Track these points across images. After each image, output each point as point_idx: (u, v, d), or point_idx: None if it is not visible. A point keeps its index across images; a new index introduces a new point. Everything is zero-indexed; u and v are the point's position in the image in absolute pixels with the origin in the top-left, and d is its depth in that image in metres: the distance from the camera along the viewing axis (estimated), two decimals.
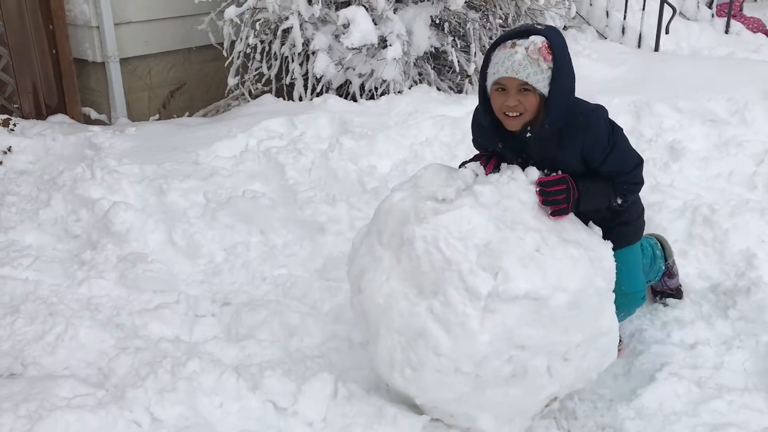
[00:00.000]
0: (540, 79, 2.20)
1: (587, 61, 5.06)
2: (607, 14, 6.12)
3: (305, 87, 4.91)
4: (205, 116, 5.34)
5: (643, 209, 2.71)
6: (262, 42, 4.91)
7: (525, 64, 2.17)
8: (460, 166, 2.45)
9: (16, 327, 2.78)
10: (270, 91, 5.00)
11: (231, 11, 4.74)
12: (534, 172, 2.33)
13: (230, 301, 3.09)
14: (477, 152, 2.57)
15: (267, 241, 3.48)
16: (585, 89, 4.61)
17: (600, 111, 2.37)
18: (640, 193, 2.60)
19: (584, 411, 2.53)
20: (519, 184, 2.30)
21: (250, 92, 5.10)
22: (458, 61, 4.90)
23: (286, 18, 4.65)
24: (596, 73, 4.93)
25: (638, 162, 2.44)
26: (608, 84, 4.72)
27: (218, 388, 2.38)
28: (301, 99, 4.91)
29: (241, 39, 4.87)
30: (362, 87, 4.84)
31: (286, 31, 4.76)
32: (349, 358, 2.70)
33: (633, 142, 4.06)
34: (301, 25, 4.67)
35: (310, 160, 3.96)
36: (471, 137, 2.57)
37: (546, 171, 2.35)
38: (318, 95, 4.79)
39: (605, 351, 2.36)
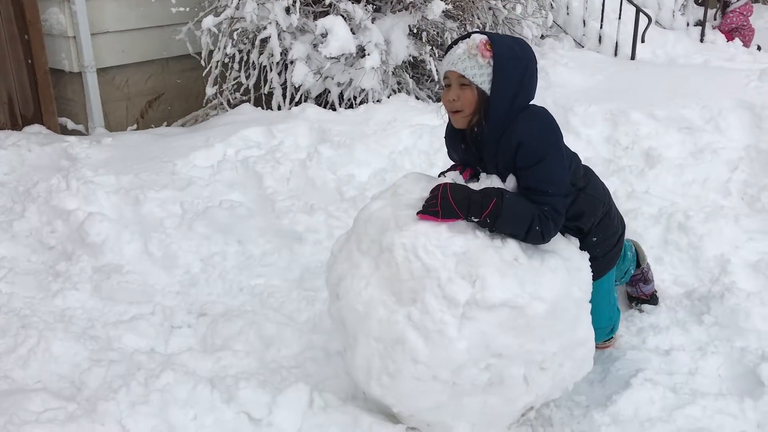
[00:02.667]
0: (477, 74, 2.22)
1: (564, 69, 5.11)
2: (584, 23, 6.19)
3: (284, 96, 4.91)
4: (184, 126, 5.32)
5: (616, 243, 2.62)
6: (240, 51, 4.90)
7: (463, 58, 2.23)
8: (439, 176, 2.46)
9: None
10: (248, 101, 4.99)
11: (209, 21, 4.73)
12: (512, 181, 2.32)
13: (206, 312, 3.07)
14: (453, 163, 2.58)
15: (244, 251, 3.46)
16: (562, 97, 4.69)
17: (538, 115, 2.27)
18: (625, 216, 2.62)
19: (560, 418, 2.53)
20: None
21: (228, 102, 5.09)
22: (436, 70, 4.92)
23: (264, 28, 4.65)
24: (573, 81, 4.98)
25: (564, 192, 2.27)
26: (585, 92, 4.76)
27: (192, 400, 2.36)
28: (279, 108, 4.90)
29: (219, 48, 4.86)
30: (341, 96, 4.84)
31: (264, 41, 4.76)
32: (326, 368, 2.69)
33: (609, 150, 4.16)
34: (279, 35, 4.67)
35: (288, 169, 3.96)
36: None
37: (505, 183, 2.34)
38: (296, 104, 4.79)
39: (582, 361, 2.37)
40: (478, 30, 2.44)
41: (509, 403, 2.27)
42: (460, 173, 2.41)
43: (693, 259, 3.31)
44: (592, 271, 2.39)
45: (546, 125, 2.27)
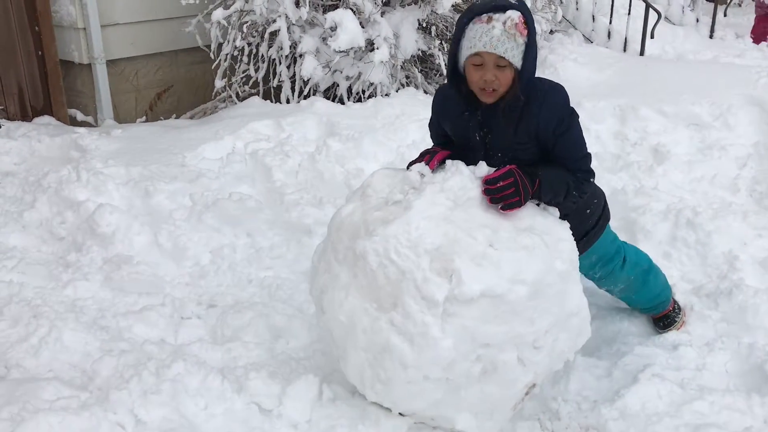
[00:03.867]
0: (516, 53, 2.17)
1: (573, 64, 5.10)
2: (593, 18, 6.17)
3: (292, 89, 4.91)
4: (192, 118, 5.34)
5: (603, 209, 2.65)
6: (249, 44, 4.91)
7: (503, 39, 2.14)
8: (408, 167, 2.40)
9: None
10: (257, 94, 5.00)
11: (218, 14, 4.74)
12: (483, 168, 2.27)
13: (216, 303, 3.09)
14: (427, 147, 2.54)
15: (253, 243, 3.48)
16: (571, 93, 4.59)
17: (560, 89, 2.34)
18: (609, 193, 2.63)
19: (568, 412, 2.55)
20: (464, 179, 2.24)
21: (237, 94, 5.10)
22: (445, 65, 4.92)
23: (274, 21, 4.66)
24: (582, 76, 4.98)
25: (587, 153, 2.40)
26: (594, 88, 4.76)
27: (203, 390, 2.38)
28: (288, 101, 4.91)
29: (228, 41, 4.87)
30: (349, 90, 4.85)
31: (274, 34, 4.77)
32: (335, 360, 2.69)
33: (618, 146, 4.16)
34: (288, 28, 4.68)
35: (297, 162, 3.97)
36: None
37: (499, 155, 2.33)
38: (305, 98, 4.80)
39: (578, 331, 2.34)
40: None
41: (508, 387, 2.26)
42: (427, 163, 2.33)
43: (701, 255, 3.31)
44: (591, 239, 2.46)
45: (566, 96, 2.33)
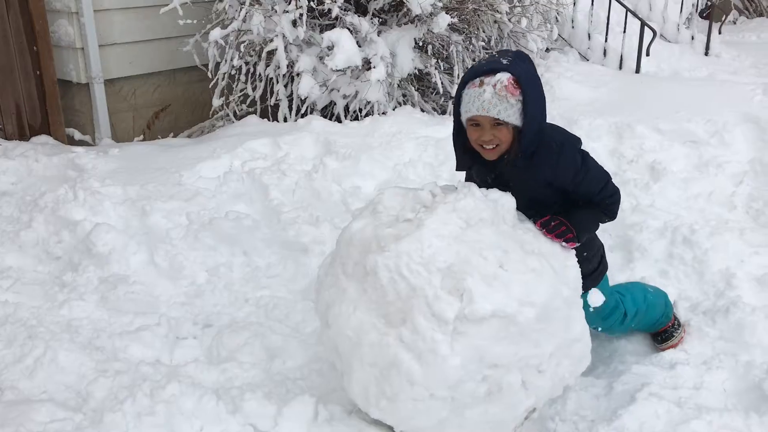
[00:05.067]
0: (511, 113, 2.24)
1: (569, 82, 5.12)
2: (589, 36, 6.21)
3: (290, 108, 4.93)
4: (190, 137, 5.34)
5: (600, 260, 2.68)
6: (246, 63, 4.93)
7: (495, 102, 2.22)
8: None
9: None
10: (255, 112, 5.01)
11: (216, 33, 4.76)
12: (495, 193, 2.35)
13: (212, 323, 3.08)
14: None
15: (250, 262, 3.47)
16: (567, 111, 4.70)
17: (570, 144, 2.43)
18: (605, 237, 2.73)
19: None
20: (476, 200, 2.28)
21: (234, 113, 5.11)
22: (442, 83, 4.95)
23: (271, 40, 4.68)
24: (578, 94, 5.00)
25: (608, 176, 2.50)
26: (590, 105, 4.78)
27: (198, 411, 2.37)
28: (285, 120, 4.92)
29: (225, 60, 4.89)
30: (347, 108, 4.87)
31: (271, 53, 4.79)
32: (331, 380, 2.69)
33: (614, 163, 4.17)
34: (285, 47, 4.70)
35: (293, 180, 3.97)
36: (454, 158, 2.57)
37: (521, 197, 2.39)
38: (302, 116, 4.81)
39: (580, 356, 2.36)
40: (490, 59, 2.33)
41: (511, 410, 2.26)
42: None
43: (698, 273, 3.30)
44: (587, 285, 2.47)
45: (575, 149, 2.41)
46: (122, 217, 3.61)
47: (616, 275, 3.26)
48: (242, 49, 4.84)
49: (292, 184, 3.95)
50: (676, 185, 3.91)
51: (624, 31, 5.92)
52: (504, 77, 2.23)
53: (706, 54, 6.54)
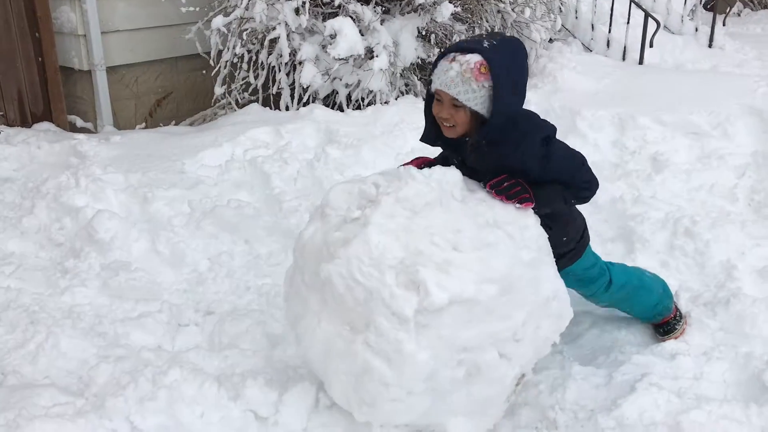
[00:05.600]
0: (471, 97, 2.17)
1: (572, 73, 5.11)
2: (593, 27, 6.19)
3: (292, 97, 4.92)
4: (192, 125, 5.34)
5: (581, 236, 2.63)
6: (249, 52, 4.92)
7: (457, 81, 2.15)
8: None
9: None
10: (257, 101, 5.01)
11: (218, 21, 4.75)
12: (439, 170, 2.25)
13: (213, 311, 3.08)
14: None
15: (251, 251, 3.47)
16: (570, 101, 4.70)
17: (537, 132, 2.30)
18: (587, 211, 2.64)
19: (565, 421, 2.54)
20: (418, 185, 2.19)
21: (236, 101, 5.11)
22: None
23: (273, 28, 4.67)
24: (581, 85, 4.99)
25: (581, 162, 2.39)
26: (593, 96, 4.77)
27: (199, 397, 2.38)
28: (287, 108, 4.92)
29: (228, 48, 4.88)
30: (349, 97, 4.86)
31: (273, 41, 4.78)
32: None
33: (617, 154, 4.16)
34: (288, 36, 4.69)
35: (295, 169, 3.97)
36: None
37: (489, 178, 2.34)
38: (305, 105, 4.80)
39: (558, 313, 2.32)
40: (473, 38, 2.26)
41: (497, 384, 2.25)
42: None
43: (699, 264, 3.31)
44: (566, 263, 2.47)
45: (535, 135, 2.28)
46: (124, 204, 3.62)
47: None
48: (245, 37, 4.83)
49: (293, 172, 3.95)
50: (678, 177, 3.91)
51: (628, 22, 5.91)
52: (473, 60, 2.14)
53: (710, 46, 6.51)
